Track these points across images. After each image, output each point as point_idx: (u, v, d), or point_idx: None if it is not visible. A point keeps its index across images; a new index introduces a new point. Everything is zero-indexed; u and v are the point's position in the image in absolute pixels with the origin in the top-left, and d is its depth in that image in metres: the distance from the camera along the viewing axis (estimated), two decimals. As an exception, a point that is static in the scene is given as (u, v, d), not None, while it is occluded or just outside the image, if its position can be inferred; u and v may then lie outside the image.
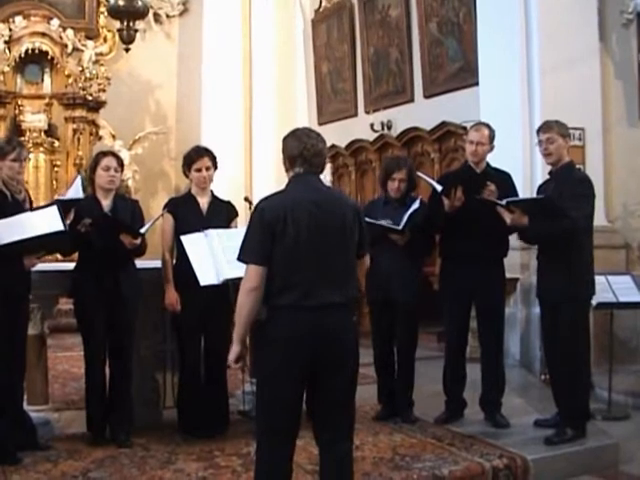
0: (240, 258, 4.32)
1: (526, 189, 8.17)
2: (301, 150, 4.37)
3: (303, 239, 4.24)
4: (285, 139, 4.48)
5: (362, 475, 5.49)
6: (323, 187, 4.50)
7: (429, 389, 7.25)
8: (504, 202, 6.30)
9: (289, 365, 4.24)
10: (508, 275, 7.09)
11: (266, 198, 4.43)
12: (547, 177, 6.66)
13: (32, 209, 6.05)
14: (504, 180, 6.75)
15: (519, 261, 8.71)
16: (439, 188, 6.63)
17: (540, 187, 6.69)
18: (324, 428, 4.42)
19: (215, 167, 6.61)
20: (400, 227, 6.61)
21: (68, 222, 5.76)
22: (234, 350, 4.37)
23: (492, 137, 6.78)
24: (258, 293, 4.27)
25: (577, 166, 6.90)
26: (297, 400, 4.34)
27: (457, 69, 11.11)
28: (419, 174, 7.19)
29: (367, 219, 6.63)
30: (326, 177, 12.01)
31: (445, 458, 5.89)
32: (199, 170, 6.54)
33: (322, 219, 4.29)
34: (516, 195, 6.64)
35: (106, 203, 6.33)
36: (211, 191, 6.67)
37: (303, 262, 4.25)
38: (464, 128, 8.67)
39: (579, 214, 6.14)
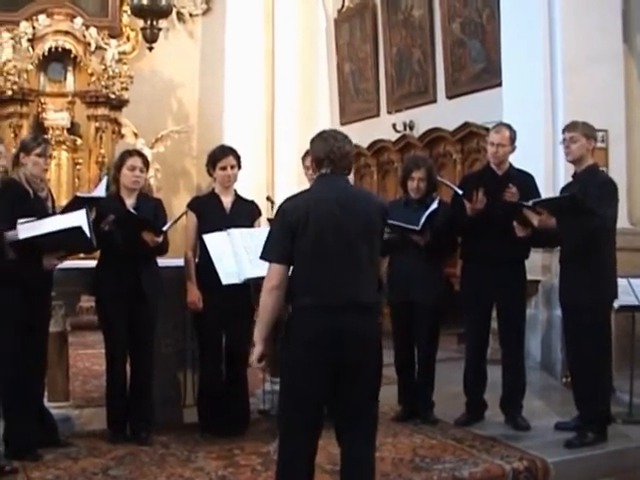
0: (262, 256, 4.36)
1: (548, 190, 8.11)
2: (327, 153, 4.39)
3: (325, 239, 4.26)
4: (312, 141, 4.51)
5: (382, 476, 5.47)
6: (348, 186, 4.52)
7: (449, 390, 7.22)
8: (530, 203, 6.27)
9: (311, 365, 4.25)
10: (529, 277, 7.07)
11: (289, 198, 4.46)
12: (570, 179, 6.63)
13: (54, 209, 6.08)
14: (526, 182, 6.73)
15: (540, 263, 8.68)
16: (460, 191, 6.62)
17: (563, 189, 6.66)
18: (346, 428, 4.42)
19: (239, 166, 6.61)
20: (418, 227, 6.60)
21: (90, 220, 5.78)
22: (257, 350, 4.39)
23: (513, 138, 6.75)
24: (280, 292, 4.30)
25: (600, 168, 6.85)
26: (319, 400, 4.35)
27: (480, 70, 11.08)
28: (440, 179, 7.19)
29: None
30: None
31: (465, 460, 5.89)
32: (224, 168, 6.54)
33: (345, 219, 4.29)
34: (539, 197, 6.60)
35: (130, 202, 6.35)
36: (235, 190, 6.67)
37: (325, 262, 4.26)
38: (486, 129, 8.63)
39: (608, 213, 6.11)
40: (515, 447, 6.18)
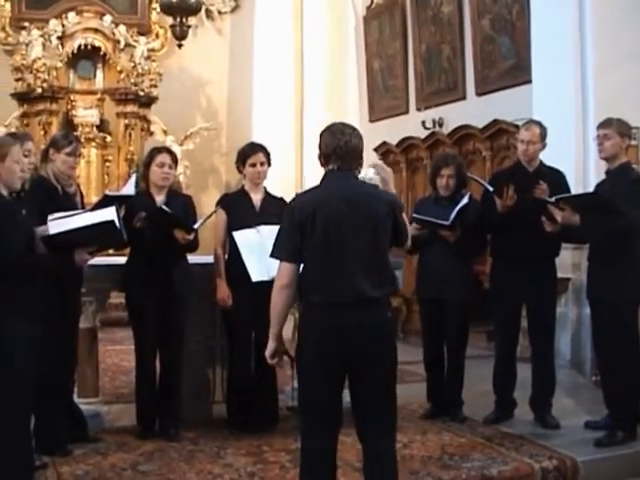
0: (272, 254, 4.39)
1: (578, 188, 8.06)
2: (334, 148, 4.38)
3: (333, 235, 4.27)
4: (321, 135, 4.49)
5: (410, 474, 5.49)
6: (356, 183, 4.50)
7: (479, 388, 7.21)
8: (553, 199, 6.24)
9: (323, 361, 4.29)
10: (560, 275, 7.04)
11: (299, 195, 4.57)
12: (602, 176, 6.59)
13: (83, 205, 6.10)
14: (557, 179, 6.70)
15: (570, 260, 8.61)
16: (490, 188, 6.60)
17: (597, 187, 6.61)
18: (364, 423, 4.43)
19: (269, 163, 6.62)
20: (448, 222, 6.58)
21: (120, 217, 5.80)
22: (269, 347, 4.44)
23: (543, 135, 6.72)
24: (290, 290, 4.34)
25: (632, 166, 6.80)
26: (334, 396, 4.37)
27: (510, 66, 11.00)
28: (470, 175, 7.17)
29: (415, 215, 6.67)
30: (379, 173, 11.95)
31: (494, 458, 5.87)
32: (253, 165, 6.55)
33: (352, 215, 4.29)
34: (570, 194, 6.57)
35: (159, 199, 6.37)
36: (264, 187, 6.67)
37: (332, 259, 4.27)
38: (516, 126, 8.59)
39: (633, 214, 6.06)
40: (544, 446, 6.16)
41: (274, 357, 4.48)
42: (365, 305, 4.28)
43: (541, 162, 6.77)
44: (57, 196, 5.88)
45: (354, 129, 4.48)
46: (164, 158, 6.40)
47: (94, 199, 8.68)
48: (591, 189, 7.00)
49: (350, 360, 4.30)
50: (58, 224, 5.08)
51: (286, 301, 4.36)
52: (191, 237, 6.21)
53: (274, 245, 4.40)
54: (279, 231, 4.43)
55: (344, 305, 4.24)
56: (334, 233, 4.28)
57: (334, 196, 4.33)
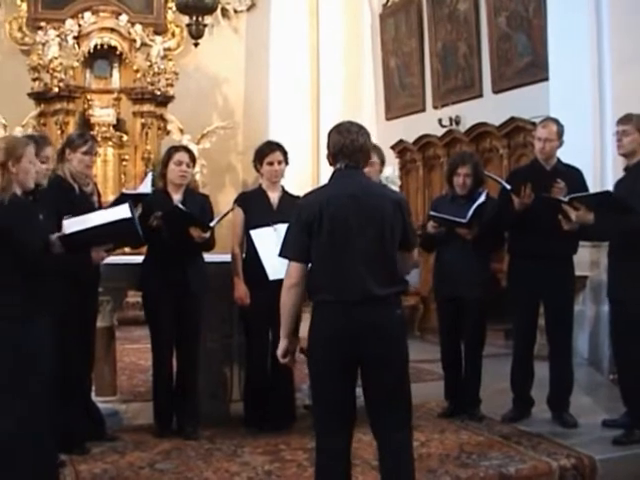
0: (280, 253, 4.43)
1: (596, 185, 8.04)
2: (341, 147, 4.41)
3: (339, 234, 4.29)
4: (329, 134, 4.52)
5: (428, 472, 5.48)
6: (363, 181, 4.51)
7: (496, 387, 7.19)
8: (567, 199, 6.22)
9: (333, 359, 4.31)
10: (577, 272, 7.00)
11: (307, 194, 4.57)
12: (620, 173, 6.56)
13: (100, 204, 6.11)
14: (575, 176, 6.67)
15: (589, 258, 8.59)
16: (508, 186, 6.58)
17: (616, 184, 6.58)
18: (377, 421, 4.44)
19: (286, 162, 6.62)
20: (465, 220, 6.57)
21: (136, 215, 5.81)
22: (281, 345, 4.49)
23: (561, 133, 6.69)
24: (298, 289, 4.38)
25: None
26: (346, 393, 4.39)
27: (526, 64, 10.98)
28: (487, 173, 7.15)
29: (432, 213, 6.66)
30: (395, 171, 11.94)
31: (512, 457, 5.85)
32: (271, 164, 6.54)
33: (359, 213, 4.31)
34: (587, 192, 6.55)
35: (177, 197, 6.38)
36: (282, 186, 6.67)
37: (340, 258, 4.29)
38: (533, 124, 8.57)
39: None
40: (562, 444, 6.13)
41: (286, 356, 4.51)
42: (373, 303, 4.29)
43: (558, 160, 6.74)
44: (74, 196, 5.89)
45: (361, 127, 4.50)
46: (182, 156, 6.41)
47: (111, 198, 8.70)
48: (609, 186, 6.98)
49: (359, 358, 4.32)
50: (73, 224, 5.09)
51: (295, 300, 4.40)
52: (207, 235, 6.22)
53: (282, 244, 4.44)
54: (287, 230, 4.47)
55: (351, 303, 4.26)
56: (341, 231, 4.29)
57: (341, 195, 4.35)
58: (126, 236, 5.52)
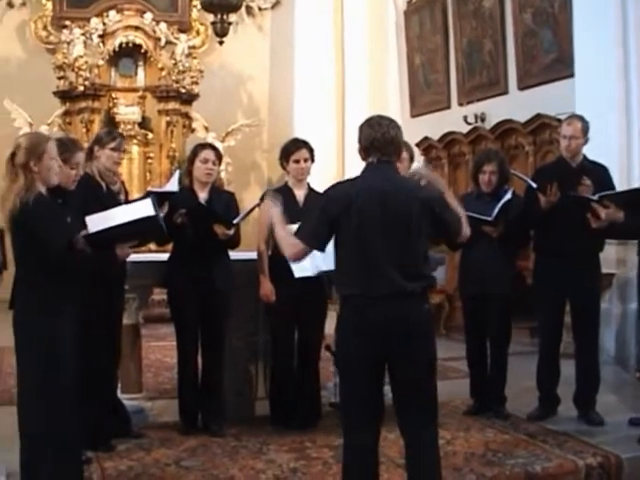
0: (296, 233, 4.47)
1: (622, 182, 8.00)
2: (372, 140, 4.42)
3: (368, 228, 4.28)
4: (360, 128, 4.52)
5: (453, 470, 5.47)
6: (394, 176, 4.50)
7: (522, 385, 7.16)
8: (596, 197, 6.18)
9: (361, 354, 4.30)
10: (604, 270, 6.99)
11: (336, 185, 4.56)
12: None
13: (127, 201, 6.13)
14: (601, 174, 6.63)
15: (615, 256, 8.55)
16: (534, 185, 6.55)
17: None
18: (404, 417, 4.44)
19: (312, 159, 6.61)
20: (491, 218, 6.55)
21: (162, 214, 5.82)
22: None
23: (586, 130, 6.65)
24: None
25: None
26: (373, 390, 4.39)
27: (552, 60, 10.93)
28: (513, 172, 7.12)
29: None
30: (423, 167, 11.90)
31: (538, 455, 5.83)
32: (297, 161, 6.54)
33: (388, 208, 4.31)
34: (613, 189, 6.52)
35: (202, 195, 6.40)
36: (308, 183, 6.67)
37: (368, 251, 4.29)
38: (559, 120, 8.53)
39: None
40: (588, 443, 6.11)
41: None
42: (400, 298, 4.29)
43: (584, 157, 6.71)
44: (101, 194, 5.92)
45: (392, 120, 4.51)
46: (208, 154, 6.42)
47: (136, 196, 8.74)
48: (635, 183, 6.95)
49: (387, 353, 4.32)
50: (97, 222, 5.10)
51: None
52: (231, 232, 6.22)
53: (300, 224, 4.50)
54: (309, 213, 4.47)
55: (379, 298, 4.26)
56: (369, 226, 4.29)
57: (371, 189, 4.35)
58: (150, 233, 5.53)
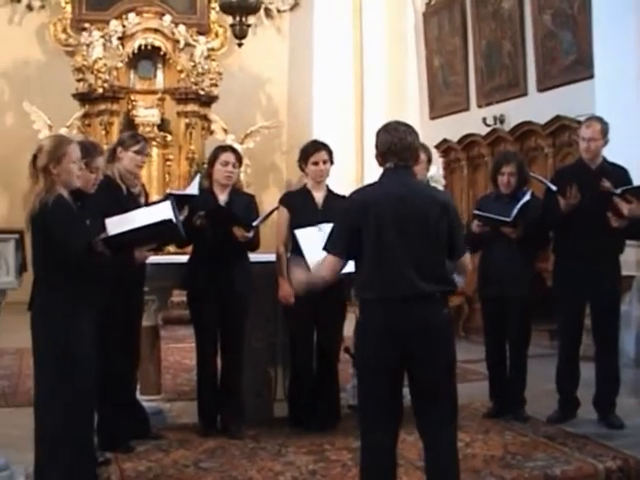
0: (324, 247, 4.48)
1: (643, 184, 7.97)
2: (389, 145, 4.43)
3: (387, 234, 4.30)
4: (377, 134, 4.54)
5: (472, 472, 5.45)
6: (412, 182, 4.52)
7: (542, 387, 7.15)
8: (619, 191, 6.16)
9: (380, 357, 4.30)
10: (623, 272, 6.95)
11: (355, 192, 4.61)
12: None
13: (147, 204, 6.14)
14: (620, 175, 6.60)
15: (635, 258, 8.52)
16: (554, 188, 6.53)
17: None
18: (422, 419, 4.43)
19: (332, 161, 6.61)
20: (510, 219, 6.53)
21: (182, 217, 5.83)
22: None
23: (605, 131, 6.62)
24: (334, 277, 4.51)
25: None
26: (390, 392, 4.38)
27: (571, 62, 10.91)
28: (532, 174, 7.11)
29: (476, 212, 6.63)
30: (439, 170, 11.91)
31: (557, 458, 5.80)
32: (316, 163, 6.54)
33: (406, 213, 4.32)
34: (635, 189, 6.49)
35: (222, 197, 6.41)
36: (327, 186, 6.67)
37: (388, 256, 4.30)
38: (579, 122, 8.50)
39: None
40: (608, 446, 6.07)
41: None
42: (419, 301, 4.29)
43: (604, 159, 6.68)
44: (122, 196, 5.93)
45: (408, 126, 4.52)
46: (228, 157, 6.43)
47: (156, 198, 8.76)
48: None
49: (406, 355, 4.31)
50: (116, 225, 5.11)
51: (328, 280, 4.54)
52: (250, 235, 6.23)
53: (327, 238, 4.48)
54: (333, 225, 4.52)
55: (398, 300, 4.26)
56: (388, 231, 4.30)
57: (389, 194, 4.37)
58: (168, 236, 5.53)
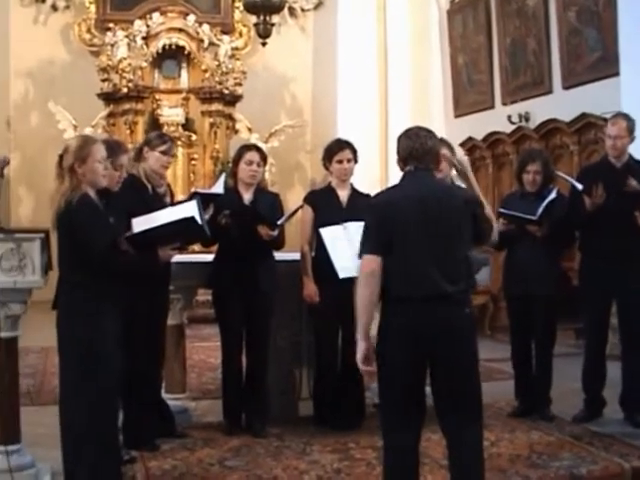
0: (359, 254, 4.42)
1: (670, 182, 7.91)
2: (410, 150, 4.46)
3: (409, 233, 4.31)
4: (398, 140, 4.57)
5: (498, 472, 5.44)
6: (433, 183, 4.53)
7: (567, 386, 7.11)
8: None
9: (402, 357, 4.30)
10: (651, 270, 6.90)
11: (378, 194, 4.65)
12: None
13: (172, 204, 6.15)
14: (646, 173, 6.57)
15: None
16: (579, 187, 6.49)
17: None
18: (445, 418, 4.43)
19: (356, 160, 6.61)
20: (536, 217, 6.51)
21: (207, 216, 5.83)
22: (360, 348, 4.34)
23: (631, 128, 6.58)
24: (376, 279, 4.33)
25: None
26: (414, 391, 4.38)
27: (597, 59, 10.86)
28: (558, 173, 7.07)
29: (502, 210, 6.61)
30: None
31: (583, 457, 5.77)
32: (340, 162, 6.54)
33: (429, 214, 4.33)
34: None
35: (247, 196, 6.42)
36: (351, 184, 6.67)
37: (411, 257, 4.30)
38: (604, 119, 8.45)
39: None
40: (634, 445, 6.04)
41: (366, 361, 4.35)
42: (442, 301, 4.29)
43: (630, 156, 6.64)
44: (147, 195, 5.94)
45: (429, 131, 4.55)
46: (252, 156, 6.44)
47: (181, 198, 8.78)
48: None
49: (429, 355, 4.32)
50: (141, 223, 5.13)
51: (373, 289, 4.33)
52: (275, 233, 6.23)
53: (360, 245, 4.44)
54: (363, 231, 4.49)
55: (420, 300, 4.26)
56: (411, 232, 4.31)
57: (411, 196, 4.38)
58: (192, 235, 5.54)
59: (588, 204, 6.41)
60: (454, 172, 6.12)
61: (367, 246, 4.39)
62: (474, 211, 4.49)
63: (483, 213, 4.58)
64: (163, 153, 6.03)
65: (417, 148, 4.43)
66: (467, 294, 4.46)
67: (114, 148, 5.39)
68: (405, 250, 4.30)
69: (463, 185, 4.82)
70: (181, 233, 5.31)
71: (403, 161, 4.51)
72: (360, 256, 4.42)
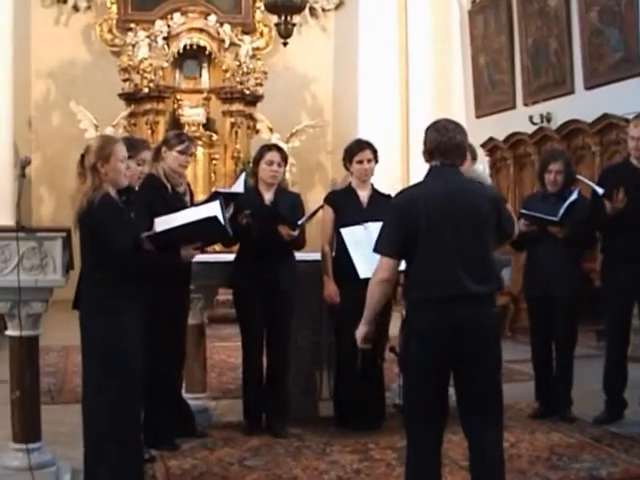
0: (374, 249, 4.42)
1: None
2: (438, 143, 4.38)
3: (435, 232, 4.26)
4: (426, 131, 4.49)
5: (518, 473, 5.43)
6: (459, 179, 4.47)
7: (588, 388, 7.08)
8: None
9: (426, 357, 4.27)
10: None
11: (402, 192, 4.60)
12: None
13: (192, 204, 6.16)
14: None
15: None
16: (600, 191, 6.46)
17: None
18: (467, 419, 4.40)
19: (376, 160, 6.61)
20: (557, 218, 6.49)
21: (228, 215, 5.84)
22: (361, 330, 4.52)
23: (655, 130, 6.56)
24: (388, 284, 4.39)
25: None
26: (437, 391, 4.36)
27: (619, 59, 10.80)
28: (579, 177, 7.04)
29: (523, 211, 6.59)
30: (485, 169, 11.85)
31: (604, 459, 5.75)
32: (360, 162, 6.54)
33: (455, 212, 4.28)
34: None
35: (268, 196, 6.43)
36: (371, 184, 6.66)
37: (436, 255, 4.26)
38: (627, 120, 8.42)
39: None
40: (656, 447, 6.02)
41: (366, 341, 4.54)
42: (469, 301, 4.26)
43: (652, 158, 6.61)
44: (166, 195, 5.96)
45: (458, 125, 4.48)
46: (273, 156, 6.45)
47: (202, 197, 8.79)
48: None
49: (453, 355, 4.28)
50: (163, 222, 5.14)
51: (383, 293, 4.41)
52: (295, 233, 6.24)
53: (377, 239, 4.43)
54: (382, 226, 4.46)
55: (447, 301, 4.23)
56: (437, 230, 4.26)
57: (438, 193, 4.33)
58: (214, 234, 5.54)
59: (609, 208, 6.38)
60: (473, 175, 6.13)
61: (382, 243, 4.38)
62: (499, 209, 4.47)
63: (507, 211, 4.57)
64: (181, 153, 6.04)
65: (445, 142, 4.36)
66: (494, 294, 4.45)
67: (136, 144, 5.46)
68: (433, 249, 4.26)
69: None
70: (203, 232, 5.32)
71: (429, 154, 4.44)
72: (375, 251, 4.41)
